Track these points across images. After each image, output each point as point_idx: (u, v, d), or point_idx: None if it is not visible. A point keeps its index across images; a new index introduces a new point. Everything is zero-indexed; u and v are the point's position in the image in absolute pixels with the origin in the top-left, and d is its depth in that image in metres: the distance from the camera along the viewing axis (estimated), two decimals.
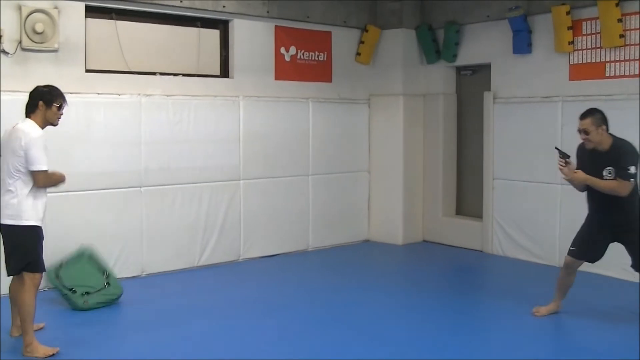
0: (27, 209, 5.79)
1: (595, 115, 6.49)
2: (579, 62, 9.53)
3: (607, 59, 9.22)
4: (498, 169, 10.46)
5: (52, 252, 7.19)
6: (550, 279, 8.72)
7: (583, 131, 6.52)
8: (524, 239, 10.12)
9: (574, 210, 9.05)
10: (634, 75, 8.88)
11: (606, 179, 6.47)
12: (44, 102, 6.00)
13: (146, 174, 8.72)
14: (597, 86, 9.27)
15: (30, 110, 6.02)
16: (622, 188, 6.38)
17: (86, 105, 8.10)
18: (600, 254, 6.92)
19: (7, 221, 5.81)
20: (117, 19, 8.71)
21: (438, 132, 11.29)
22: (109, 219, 8.40)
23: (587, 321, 6.98)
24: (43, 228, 5.99)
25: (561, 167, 6.66)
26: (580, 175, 6.56)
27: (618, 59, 9.11)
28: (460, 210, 11.53)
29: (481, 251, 10.64)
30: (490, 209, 10.55)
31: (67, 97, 7.41)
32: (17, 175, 5.79)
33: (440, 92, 11.23)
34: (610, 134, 6.55)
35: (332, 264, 9.99)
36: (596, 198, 6.71)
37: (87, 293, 7.40)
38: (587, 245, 6.89)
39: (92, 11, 8.40)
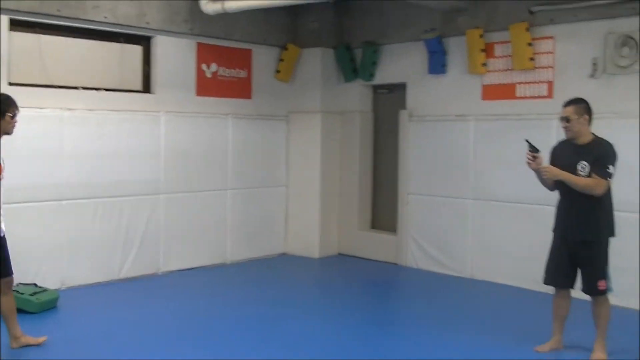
0: None
1: (579, 104, 6.26)
2: (492, 83, 9.79)
3: (518, 81, 9.51)
4: (412, 185, 10.61)
5: None
6: (462, 290, 9.32)
7: (564, 119, 6.27)
8: (437, 252, 10.33)
9: (484, 224, 9.70)
10: (543, 97, 9.23)
11: (580, 174, 6.12)
12: None
13: (67, 187, 8.75)
14: (509, 106, 9.56)
15: None
16: (598, 186, 6.04)
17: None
18: (568, 276, 6.45)
19: None
20: (41, 33, 8.68)
21: (354, 148, 11.45)
22: (29, 232, 8.32)
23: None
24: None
25: (529, 161, 6.30)
26: (553, 169, 6.22)
27: (528, 81, 9.41)
28: (375, 224, 11.66)
29: (396, 264, 10.78)
30: (404, 223, 10.72)
31: None
32: None
33: (357, 110, 11.39)
34: (592, 133, 6.30)
35: (249, 277, 10.09)
36: (567, 201, 6.38)
37: (35, 293, 7.66)
38: (552, 268, 6.56)
39: (16, 24, 8.36)
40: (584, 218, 6.23)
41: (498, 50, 9.69)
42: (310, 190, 11.43)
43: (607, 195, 6.20)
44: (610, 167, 6.08)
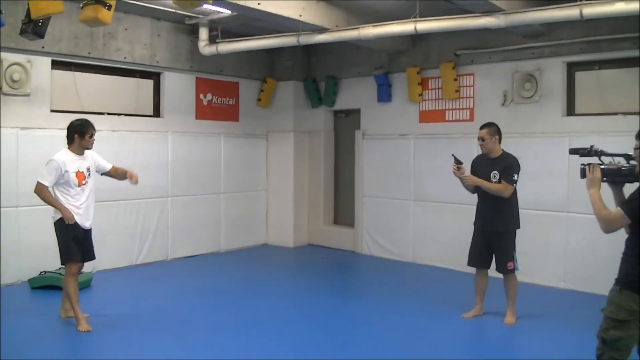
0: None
1: (491, 127, 6.49)
2: (426, 109, 9.91)
3: (447, 108, 9.67)
4: (366, 189, 10.73)
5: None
6: (404, 271, 9.44)
7: (480, 138, 6.51)
8: (385, 241, 10.46)
9: (422, 219, 9.86)
10: (466, 120, 9.42)
11: (493, 181, 6.39)
12: (79, 135, 6.27)
13: (97, 192, 8.63)
14: (440, 127, 9.70)
15: (68, 141, 6.33)
16: (505, 190, 6.30)
17: (51, 138, 8.01)
18: (485, 259, 6.70)
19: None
20: (75, 71, 8.84)
21: (320, 160, 11.51)
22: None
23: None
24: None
25: (454, 170, 6.52)
26: (472, 177, 6.47)
27: (454, 108, 9.57)
28: (337, 220, 11.74)
29: (353, 251, 10.92)
30: (360, 219, 10.82)
31: (36, 132, 7.65)
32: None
33: (321, 130, 11.49)
34: (502, 149, 6.56)
35: (238, 262, 10.17)
36: (483, 201, 6.61)
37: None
38: (473, 253, 6.77)
39: (56, 64, 8.53)
40: (497, 214, 6.49)
41: (431, 83, 9.84)
42: (285, 193, 11.50)
43: (514, 196, 6.49)
44: (515, 175, 6.38)
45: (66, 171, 6.19)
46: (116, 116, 9.33)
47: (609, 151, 4.46)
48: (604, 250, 6.70)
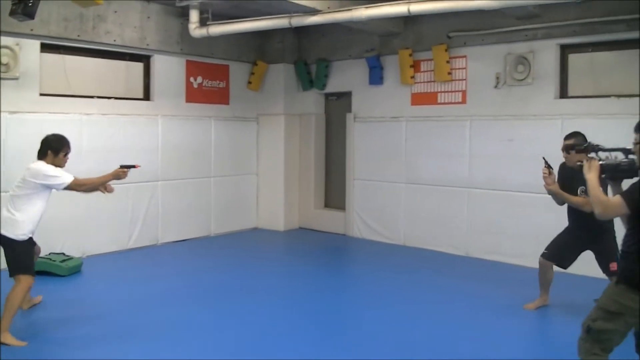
0: None
1: (577, 137, 5.89)
2: (418, 92, 9.90)
3: (439, 90, 9.66)
4: (357, 172, 10.74)
5: None
6: (396, 254, 9.51)
7: (565, 149, 6.01)
8: (377, 224, 10.49)
9: (414, 202, 9.91)
10: (459, 103, 9.42)
11: (578, 196, 5.83)
12: (52, 151, 5.72)
13: (86, 176, 8.63)
14: (432, 110, 9.71)
15: (39, 155, 5.72)
16: (587, 206, 5.49)
17: (40, 122, 8.03)
18: (569, 261, 6.33)
19: None
20: (65, 54, 8.77)
21: (311, 143, 11.51)
22: (57, 213, 8.13)
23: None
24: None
25: (545, 175, 5.90)
26: (554, 187, 5.92)
27: (447, 90, 9.56)
28: (328, 204, 11.76)
29: (344, 235, 10.96)
30: (351, 202, 10.85)
31: (25, 116, 7.62)
32: None
33: (312, 113, 11.48)
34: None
35: (229, 246, 10.15)
36: (573, 213, 6.15)
37: (64, 260, 7.85)
38: (560, 251, 6.31)
39: (45, 47, 8.46)
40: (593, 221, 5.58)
41: (423, 66, 9.83)
42: (276, 177, 11.51)
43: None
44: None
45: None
46: (106, 99, 9.29)
47: (604, 140, 4.43)
48: None
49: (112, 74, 9.56)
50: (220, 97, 11.03)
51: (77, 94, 8.89)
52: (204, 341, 5.65)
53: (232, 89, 11.21)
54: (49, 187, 5.66)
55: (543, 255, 6.43)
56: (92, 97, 9.11)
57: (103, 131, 9.10)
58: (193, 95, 10.52)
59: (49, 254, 8.13)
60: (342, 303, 7.08)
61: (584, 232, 6.08)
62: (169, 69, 10.11)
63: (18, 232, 5.59)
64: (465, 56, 9.41)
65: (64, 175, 5.62)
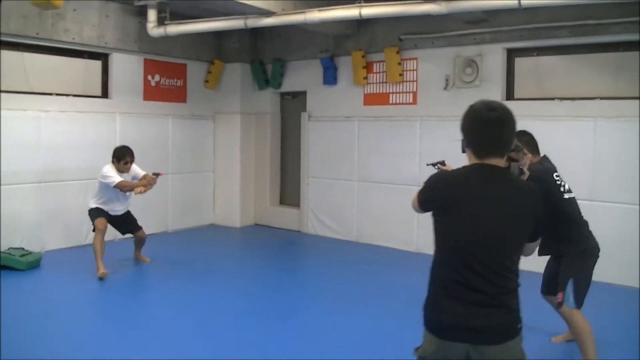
0: None
1: (520, 137, 4.72)
2: (371, 92, 10.09)
3: (391, 91, 9.85)
4: (311, 170, 10.91)
5: None
6: (349, 250, 9.69)
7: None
8: (330, 221, 10.67)
9: (366, 199, 10.14)
10: (410, 103, 9.64)
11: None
12: (116, 158, 7.82)
13: (45, 172, 8.89)
14: (384, 110, 9.90)
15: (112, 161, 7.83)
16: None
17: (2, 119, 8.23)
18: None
19: None
20: (24, 51, 8.76)
21: (266, 141, 11.62)
22: (16, 208, 8.45)
23: None
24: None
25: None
26: None
27: (398, 91, 9.75)
28: (283, 201, 11.90)
29: (299, 231, 11.10)
30: (305, 200, 11.02)
31: None
32: None
33: (268, 112, 11.59)
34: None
35: (186, 242, 10.26)
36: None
37: (23, 255, 7.92)
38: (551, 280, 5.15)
39: (4, 44, 8.33)
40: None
41: (376, 67, 10.01)
42: (232, 174, 11.61)
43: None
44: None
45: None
46: (64, 97, 9.30)
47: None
48: None
49: (70, 72, 9.55)
50: (178, 95, 11.09)
51: (36, 91, 8.92)
52: (154, 329, 5.96)
53: (189, 88, 11.28)
54: (105, 184, 7.74)
55: (541, 292, 5.42)
56: (50, 94, 9.13)
57: (62, 128, 9.12)
58: (151, 93, 10.57)
59: (8, 248, 8.21)
60: (291, 296, 7.25)
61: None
62: (127, 67, 10.13)
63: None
64: (416, 58, 9.61)
65: (114, 177, 7.67)
